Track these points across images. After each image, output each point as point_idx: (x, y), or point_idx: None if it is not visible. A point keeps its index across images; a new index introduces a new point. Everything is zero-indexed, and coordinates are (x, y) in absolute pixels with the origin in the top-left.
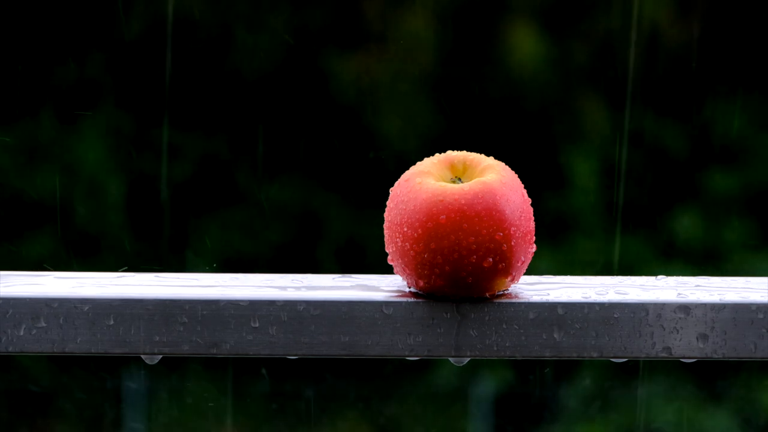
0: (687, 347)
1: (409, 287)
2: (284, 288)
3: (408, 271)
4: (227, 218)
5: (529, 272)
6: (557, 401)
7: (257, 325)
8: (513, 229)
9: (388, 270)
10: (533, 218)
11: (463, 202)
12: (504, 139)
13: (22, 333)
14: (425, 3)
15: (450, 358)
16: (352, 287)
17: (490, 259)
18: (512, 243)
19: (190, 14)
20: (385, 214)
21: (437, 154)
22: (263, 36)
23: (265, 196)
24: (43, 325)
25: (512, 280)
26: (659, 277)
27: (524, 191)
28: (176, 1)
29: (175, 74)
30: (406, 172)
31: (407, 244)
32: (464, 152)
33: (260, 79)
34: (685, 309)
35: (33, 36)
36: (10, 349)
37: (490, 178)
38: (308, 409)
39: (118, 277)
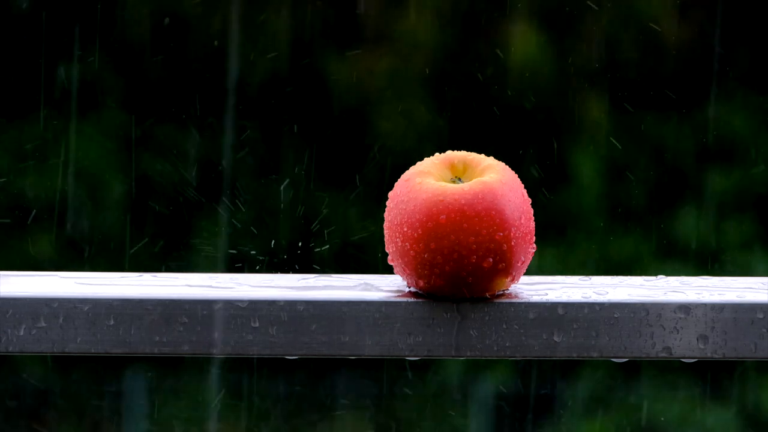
0: (687, 347)
1: (409, 287)
2: (284, 288)
3: (408, 271)
4: (228, 218)
5: (529, 272)
6: (557, 401)
7: (257, 325)
8: (513, 229)
9: (388, 270)
10: (533, 218)
11: (463, 202)
12: (504, 138)
13: (22, 333)
14: (425, 2)
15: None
16: (352, 287)
17: (490, 259)
18: (512, 243)
19: (191, 14)
20: (385, 214)
21: (437, 154)
22: (262, 36)
23: (266, 196)
24: (43, 325)
25: (512, 280)
26: (659, 277)
27: (524, 191)
28: (177, 1)
29: (176, 74)
30: (406, 172)
31: (407, 244)
32: (464, 152)
33: (260, 78)
34: (685, 309)
35: (32, 35)
36: (10, 349)
37: (490, 178)
38: (308, 409)
39: (118, 277)
